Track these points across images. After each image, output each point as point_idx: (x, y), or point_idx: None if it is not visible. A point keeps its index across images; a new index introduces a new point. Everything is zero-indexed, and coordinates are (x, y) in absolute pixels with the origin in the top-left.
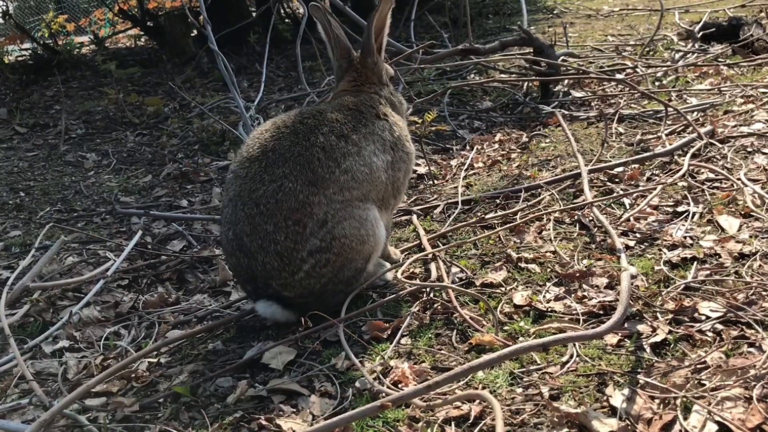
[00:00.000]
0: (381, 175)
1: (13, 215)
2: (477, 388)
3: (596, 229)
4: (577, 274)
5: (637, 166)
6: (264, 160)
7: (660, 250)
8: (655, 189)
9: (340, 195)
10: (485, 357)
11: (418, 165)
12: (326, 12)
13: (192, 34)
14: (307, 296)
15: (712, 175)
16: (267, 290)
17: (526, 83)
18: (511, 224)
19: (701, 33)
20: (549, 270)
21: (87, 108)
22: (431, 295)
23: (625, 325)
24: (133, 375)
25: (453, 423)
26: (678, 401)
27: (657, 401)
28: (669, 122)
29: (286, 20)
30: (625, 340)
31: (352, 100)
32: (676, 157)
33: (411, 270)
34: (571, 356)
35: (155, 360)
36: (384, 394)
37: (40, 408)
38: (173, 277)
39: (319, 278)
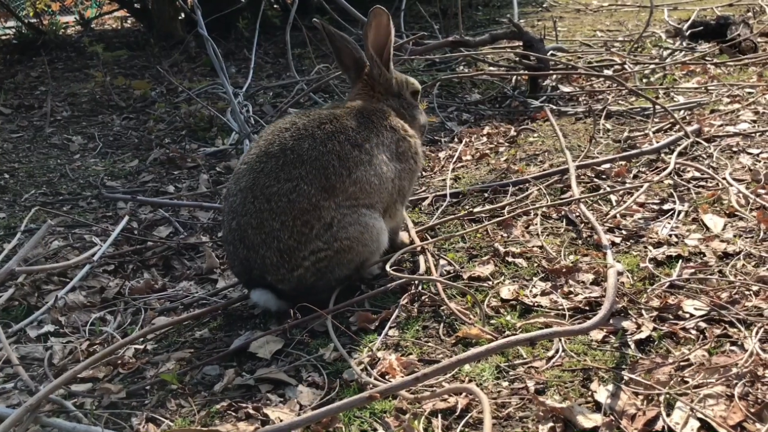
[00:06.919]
0: (389, 186)
1: None
2: (463, 381)
3: (583, 225)
4: (564, 270)
5: (624, 163)
6: (282, 158)
7: (645, 247)
8: (641, 186)
9: (348, 202)
10: (473, 350)
11: None
12: (324, 26)
13: (180, 18)
14: (301, 290)
15: (698, 174)
16: (262, 282)
17: (515, 77)
18: (499, 218)
19: (689, 31)
20: (536, 265)
21: (73, 90)
22: (419, 287)
23: (611, 321)
24: (119, 361)
25: (440, 415)
26: (661, 398)
27: (641, 397)
28: (656, 120)
29: (275, 6)
30: (611, 336)
31: (365, 108)
32: (662, 155)
33: (399, 262)
34: (557, 351)
35: (142, 347)
36: (371, 386)
37: (25, 392)
38: (159, 264)
39: (315, 273)
